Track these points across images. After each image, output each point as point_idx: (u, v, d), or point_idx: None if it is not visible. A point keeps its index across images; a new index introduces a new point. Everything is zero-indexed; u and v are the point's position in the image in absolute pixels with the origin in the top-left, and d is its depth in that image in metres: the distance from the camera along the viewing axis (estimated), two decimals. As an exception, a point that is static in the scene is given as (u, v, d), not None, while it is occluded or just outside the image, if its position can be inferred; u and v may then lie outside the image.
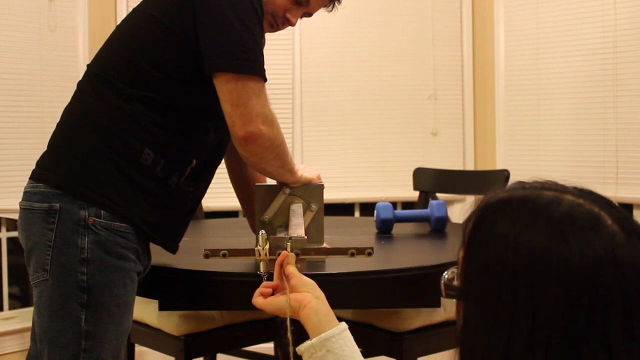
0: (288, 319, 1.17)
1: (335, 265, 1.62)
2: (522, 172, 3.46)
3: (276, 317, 1.21)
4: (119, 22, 1.92)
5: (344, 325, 1.13)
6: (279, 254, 1.22)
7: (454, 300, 0.80)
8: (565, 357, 0.69)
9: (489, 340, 0.73)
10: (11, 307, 3.32)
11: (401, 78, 3.65)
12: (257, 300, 1.19)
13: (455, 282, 0.80)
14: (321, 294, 1.17)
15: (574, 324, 0.69)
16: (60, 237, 1.44)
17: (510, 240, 0.73)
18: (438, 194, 2.86)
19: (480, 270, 0.75)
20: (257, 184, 1.77)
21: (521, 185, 0.79)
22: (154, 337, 2.26)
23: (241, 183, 1.96)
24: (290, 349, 1.16)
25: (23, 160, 3.07)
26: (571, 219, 0.72)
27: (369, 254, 1.25)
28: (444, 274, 0.83)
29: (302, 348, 1.11)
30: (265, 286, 1.21)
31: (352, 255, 1.25)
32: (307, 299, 1.15)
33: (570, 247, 0.70)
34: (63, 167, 1.49)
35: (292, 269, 1.19)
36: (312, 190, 1.74)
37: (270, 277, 1.25)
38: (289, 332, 1.16)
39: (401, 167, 3.58)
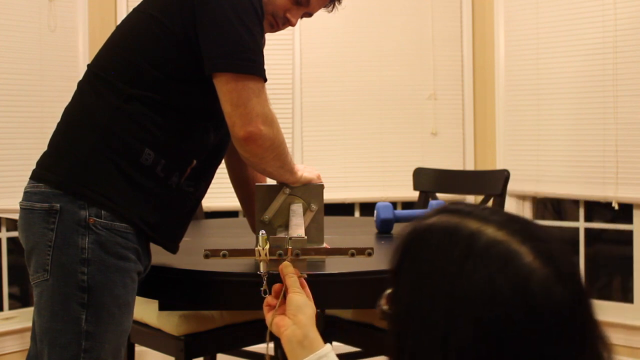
0: (267, 335, 1.18)
1: (335, 265, 1.62)
2: (522, 172, 3.47)
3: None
4: (119, 22, 1.92)
5: (322, 351, 1.09)
6: (280, 255, 1.22)
7: None
8: None
9: None
10: (11, 307, 3.32)
11: (401, 78, 3.65)
12: (266, 315, 1.19)
13: (385, 306, 0.81)
14: (303, 318, 1.13)
15: None
16: (61, 237, 1.44)
17: (429, 270, 0.74)
18: (438, 194, 2.86)
19: (405, 296, 0.77)
20: (257, 184, 1.77)
21: (449, 210, 0.79)
22: (154, 337, 2.26)
23: (241, 183, 1.96)
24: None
25: (23, 160, 3.07)
26: (486, 255, 0.72)
27: (369, 254, 1.25)
28: (381, 299, 0.83)
29: None
30: (273, 294, 1.21)
31: (352, 255, 1.25)
32: (285, 326, 1.13)
33: (480, 285, 0.70)
34: (63, 167, 1.49)
35: (289, 282, 1.18)
36: (312, 190, 1.74)
37: (270, 278, 1.25)
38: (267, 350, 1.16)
39: (401, 167, 3.58)
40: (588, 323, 0.72)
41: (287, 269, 1.19)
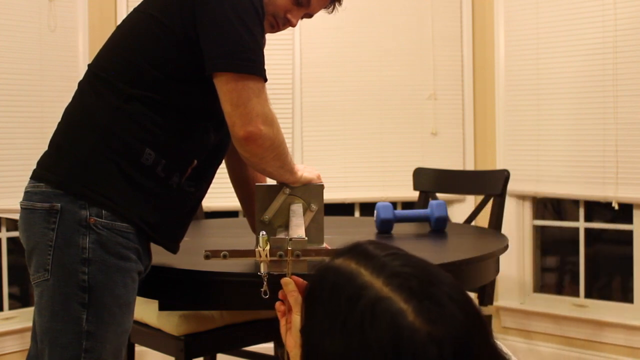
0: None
1: (335, 266, 1.61)
2: (522, 172, 3.47)
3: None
4: (119, 22, 1.92)
5: None
6: (280, 256, 1.22)
7: None
8: None
9: None
10: (11, 307, 3.32)
11: (401, 78, 3.65)
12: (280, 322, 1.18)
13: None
14: None
15: None
16: (62, 237, 1.44)
17: (321, 312, 0.76)
18: (438, 194, 2.86)
19: (303, 328, 0.81)
20: (257, 184, 1.77)
21: (356, 251, 0.80)
22: (154, 337, 2.26)
23: (241, 183, 1.96)
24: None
25: (23, 160, 3.07)
26: (368, 312, 0.73)
27: (370, 255, 1.25)
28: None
29: None
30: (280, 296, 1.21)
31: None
32: (289, 346, 1.13)
33: (357, 340, 0.72)
34: (64, 167, 1.49)
35: (292, 302, 1.16)
36: (312, 190, 1.74)
37: (270, 279, 1.25)
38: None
39: (401, 167, 3.58)
40: None
41: (288, 287, 1.17)
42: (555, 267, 3.81)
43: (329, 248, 1.64)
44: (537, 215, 3.62)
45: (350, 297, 0.74)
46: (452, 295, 0.74)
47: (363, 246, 0.81)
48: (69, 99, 1.59)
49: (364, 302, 0.73)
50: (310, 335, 0.77)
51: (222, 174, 1.86)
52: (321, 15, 1.78)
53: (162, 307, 1.77)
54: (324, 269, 0.81)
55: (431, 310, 0.72)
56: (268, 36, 1.65)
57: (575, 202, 3.51)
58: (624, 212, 3.28)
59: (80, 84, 1.58)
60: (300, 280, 1.15)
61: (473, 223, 2.75)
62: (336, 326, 0.74)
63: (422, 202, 2.85)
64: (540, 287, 3.65)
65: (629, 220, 3.29)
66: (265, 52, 1.55)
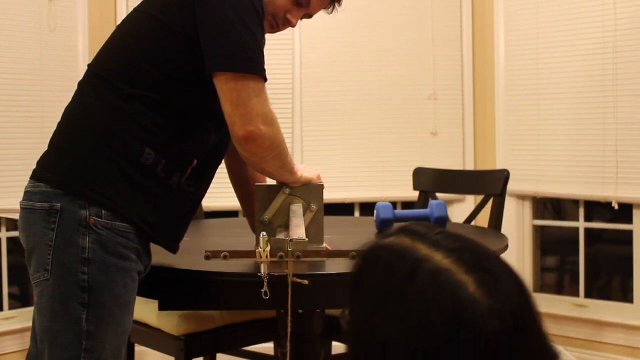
0: (290, 314, 1.17)
1: (335, 266, 1.62)
2: (522, 172, 3.47)
3: (277, 315, 1.20)
4: (119, 22, 1.93)
5: None
6: (281, 257, 1.22)
7: None
8: None
9: None
10: (11, 307, 3.32)
11: (401, 78, 3.65)
12: None
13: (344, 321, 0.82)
14: None
15: None
16: (62, 237, 1.44)
17: (376, 290, 0.76)
18: (438, 194, 2.86)
19: (355, 312, 0.79)
20: (257, 184, 1.77)
21: (406, 231, 0.80)
22: (154, 337, 2.26)
23: (241, 183, 1.96)
24: (289, 345, 1.15)
25: (23, 160, 3.07)
26: (429, 282, 0.72)
27: (370, 256, 1.25)
28: (344, 310, 0.84)
29: None
30: None
31: (354, 258, 1.25)
32: None
33: (419, 312, 0.71)
34: (64, 167, 1.49)
35: None
36: (312, 190, 1.74)
37: (271, 279, 1.25)
38: (289, 328, 1.15)
39: (401, 167, 3.58)
40: (529, 354, 0.72)
41: None
42: (555, 267, 3.82)
43: (329, 248, 1.64)
44: (537, 215, 3.62)
45: (410, 269, 0.74)
46: (508, 271, 0.75)
47: (411, 226, 0.80)
48: (69, 99, 1.59)
49: (424, 274, 0.73)
50: (364, 318, 0.76)
51: (222, 174, 1.86)
52: (321, 15, 1.78)
53: (162, 307, 1.77)
54: (375, 249, 0.80)
55: (491, 283, 0.72)
56: (268, 36, 1.65)
57: (575, 202, 3.51)
58: (624, 212, 3.28)
59: (80, 84, 1.58)
60: None
61: (473, 223, 2.75)
62: (394, 301, 0.73)
63: (422, 202, 2.85)
64: (540, 287, 3.66)
65: (629, 220, 3.29)
66: (265, 52, 1.55)
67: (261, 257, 1.22)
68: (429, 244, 0.76)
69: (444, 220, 2.27)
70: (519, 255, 3.56)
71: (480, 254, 0.75)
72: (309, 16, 1.73)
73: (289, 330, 1.28)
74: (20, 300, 3.45)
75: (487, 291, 0.71)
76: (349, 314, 0.80)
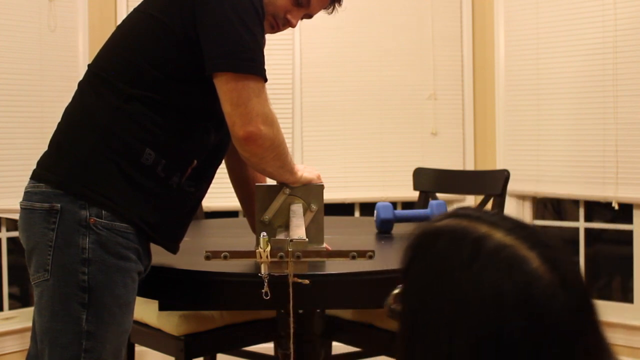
0: (291, 315, 1.17)
1: (335, 266, 1.62)
2: (522, 172, 3.47)
3: (277, 315, 1.20)
4: (119, 22, 1.93)
5: None
6: (281, 257, 1.22)
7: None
8: None
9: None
10: (11, 307, 3.32)
11: (401, 78, 3.65)
12: None
13: (395, 305, 0.81)
14: None
15: None
16: (61, 237, 1.44)
17: (435, 272, 0.75)
18: (438, 194, 2.86)
19: (412, 297, 0.77)
20: (257, 184, 1.77)
21: (458, 214, 0.79)
22: (154, 337, 2.26)
23: (241, 183, 1.96)
24: (292, 345, 1.15)
25: (23, 160, 3.07)
26: (493, 258, 0.72)
27: (370, 257, 1.25)
28: (389, 297, 0.83)
29: None
30: None
31: (354, 258, 1.25)
32: None
33: (486, 288, 0.71)
34: (64, 167, 1.49)
35: None
36: (312, 190, 1.74)
37: (271, 279, 1.25)
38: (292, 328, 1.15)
39: (401, 167, 3.58)
40: (590, 331, 0.72)
41: None
42: (555, 267, 3.81)
43: (329, 248, 1.64)
44: (537, 215, 3.62)
45: (472, 248, 0.73)
46: (566, 249, 0.75)
47: (463, 210, 0.80)
48: (69, 99, 1.59)
49: (487, 251, 0.72)
50: (423, 303, 0.75)
51: (222, 174, 1.86)
52: (321, 15, 1.78)
53: (162, 307, 1.77)
54: (428, 233, 0.79)
55: (554, 259, 0.72)
56: (268, 36, 1.65)
57: (575, 202, 3.51)
58: (624, 212, 3.28)
59: (80, 84, 1.58)
60: None
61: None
62: (457, 281, 0.72)
63: (422, 202, 2.85)
64: (540, 287, 3.65)
65: (629, 220, 3.29)
66: (265, 52, 1.55)
67: (261, 257, 1.22)
68: (488, 224, 0.75)
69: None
70: (519, 255, 3.55)
71: (536, 231, 0.75)
72: (309, 16, 1.73)
73: (292, 330, 1.28)
74: (20, 300, 3.45)
75: (550, 267, 0.71)
76: (402, 303, 0.79)
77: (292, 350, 1.25)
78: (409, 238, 0.81)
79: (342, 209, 3.66)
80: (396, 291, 0.82)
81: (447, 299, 0.73)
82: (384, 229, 2.22)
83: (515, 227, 0.75)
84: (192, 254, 1.75)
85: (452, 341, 0.71)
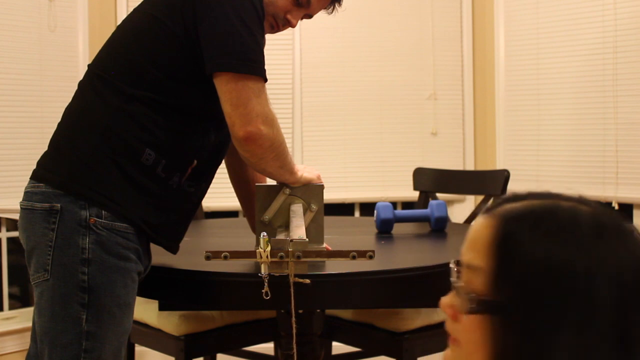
0: (292, 315, 1.17)
1: (335, 266, 1.62)
2: (522, 172, 3.47)
3: (277, 315, 1.20)
4: (119, 22, 1.93)
5: None
6: (281, 257, 1.22)
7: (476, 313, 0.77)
8: None
9: (536, 349, 0.73)
10: (11, 307, 3.32)
11: (401, 78, 3.65)
12: None
13: (483, 296, 0.77)
14: None
15: (627, 331, 0.72)
16: (62, 237, 1.44)
17: (544, 256, 0.74)
18: (438, 194, 2.86)
19: (519, 286, 0.74)
20: (257, 184, 1.77)
21: (534, 194, 0.79)
22: (154, 337, 2.26)
23: (241, 183, 1.96)
24: (294, 345, 1.15)
25: (23, 160, 3.07)
26: (597, 228, 0.74)
27: (370, 257, 1.25)
28: (468, 293, 0.78)
29: None
30: None
31: (354, 258, 1.25)
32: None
33: (620, 254, 0.74)
34: (64, 167, 1.49)
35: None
36: (312, 190, 1.74)
37: (271, 279, 1.25)
38: (294, 328, 1.15)
39: (401, 167, 3.59)
40: None
41: None
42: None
43: (329, 248, 1.64)
44: (537, 215, 3.62)
45: (593, 220, 0.75)
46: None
47: (535, 192, 0.81)
48: (69, 99, 1.59)
49: (585, 221, 0.74)
50: (538, 284, 0.73)
51: (222, 174, 1.86)
52: (321, 15, 1.78)
53: (162, 307, 1.77)
54: (521, 218, 0.77)
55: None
56: (268, 36, 1.65)
57: (575, 202, 3.51)
58: (624, 212, 3.28)
59: (81, 84, 1.58)
60: None
61: (473, 223, 2.74)
62: (588, 251, 0.74)
63: (422, 202, 2.85)
64: (540, 287, 3.65)
65: (629, 221, 3.28)
66: (265, 52, 1.55)
67: (261, 257, 1.22)
68: (569, 200, 0.78)
69: (444, 220, 2.27)
70: (519, 255, 3.56)
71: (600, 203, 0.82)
72: (309, 16, 1.73)
73: (294, 331, 1.28)
74: (20, 300, 3.45)
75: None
76: (506, 294, 0.75)
77: (294, 350, 1.25)
78: (488, 230, 0.79)
79: (342, 209, 3.66)
80: (469, 286, 0.78)
81: (576, 273, 0.73)
82: (384, 229, 2.22)
83: (595, 203, 0.78)
84: (192, 254, 1.75)
85: (594, 313, 0.72)
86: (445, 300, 0.82)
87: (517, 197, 0.81)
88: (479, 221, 0.82)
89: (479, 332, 0.76)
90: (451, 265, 0.83)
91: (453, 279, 0.82)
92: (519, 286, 0.74)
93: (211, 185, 1.69)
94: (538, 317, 0.73)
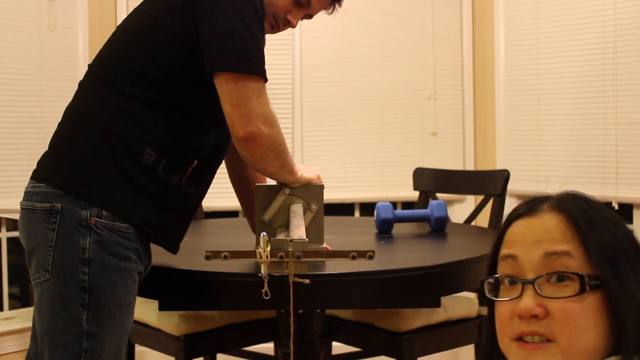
0: (292, 315, 1.17)
1: (335, 266, 1.62)
2: (522, 172, 3.47)
3: (277, 315, 1.20)
4: (119, 22, 1.93)
5: None
6: (281, 257, 1.22)
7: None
8: None
9: None
10: (11, 307, 3.32)
11: (401, 78, 3.65)
12: None
13: (581, 273, 0.88)
14: None
15: None
16: (62, 237, 1.44)
17: (612, 224, 0.97)
18: (438, 194, 2.86)
19: (604, 258, 0.90)
20: (257, 184, 1.77)
21: (572, 194, 1.04)
22: (154, 337, 2.26)
23: (241, 183, 1.96)
24: (291, 344, 1.15)
25: (23, 160, 3.07)
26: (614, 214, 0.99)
27: (370, 257, 1.25)
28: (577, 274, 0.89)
29: None
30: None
31: (354, 258, 1.25)
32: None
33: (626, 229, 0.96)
34: (64, 167, 1.49)
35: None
36: (312, 190, 1.74)
37: (271, 279, 1.25)
38: (292, 327, 1.15)
39: (401, 167, 3.58)
40: None
41: None
42: (555, 267, 3.81)
43: (329, 248, 1.64)
44: (537, 215, 3.62)
45: (604, 205, 1.03)
46: None
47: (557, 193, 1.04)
48: (69, 99, 1.59)
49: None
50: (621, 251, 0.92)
51: (222, 174, 1.86)
52: (321, 15, 1.78)
53: (162, 307, 1.77)
54: (582, 199, 1.03)
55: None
56: (268, 36, 1.66)
57: (575, 202, 3.50)
58: (624, 212, 3.28)
59: (81, 84, 1.58)
60: None
61: (473, 223, 2.75)
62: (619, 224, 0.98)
63: (422, 202, 2.85)
64: (540, 287, 3.65)
65: (629, 220, 3.29)
66: (265, 52, 1.55)
67: (261, 257, 1.22)
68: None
69: (444, 220, 2.27)
70: (519, 255, 3.55)
71: None
72: (309, 16, 1.73)
73: (292, 330, 1.28)
74: (20, 300, 3.45)
75: None
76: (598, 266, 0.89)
77: (292, 350, 1.25)
78: (567, 208, 0.98)
79: (342, 209, 3.66)
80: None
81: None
82: (384, 229, 2.22)
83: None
84: (192, 254, 1.75)
85: None
86: (527, 303, 0.89)
87: (550, 196, 1.02)
88: (544, 217, 0.99)
89: (590, 309, 0.87)
90: (490, 281, 0.95)
91: (504, 285, 0.93)
92: (605, 258, 0.90)
93: (211, 185, 1.69)
94: (626, 277, 0.88)
